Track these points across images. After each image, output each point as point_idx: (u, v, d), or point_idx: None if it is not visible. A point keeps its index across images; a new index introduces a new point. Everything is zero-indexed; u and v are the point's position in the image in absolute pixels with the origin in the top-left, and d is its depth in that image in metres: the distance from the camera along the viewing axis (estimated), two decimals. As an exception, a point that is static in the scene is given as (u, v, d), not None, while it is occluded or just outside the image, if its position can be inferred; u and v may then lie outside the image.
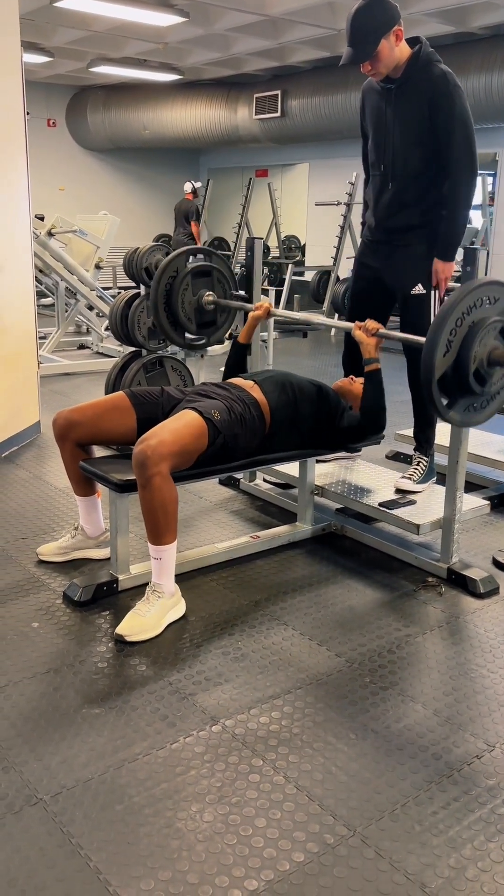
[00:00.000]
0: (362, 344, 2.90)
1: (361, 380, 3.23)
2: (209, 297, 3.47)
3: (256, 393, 2.86)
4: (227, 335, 7.70)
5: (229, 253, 11.35)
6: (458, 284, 2.48)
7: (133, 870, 1.60)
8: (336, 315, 9.23)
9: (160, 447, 2.46)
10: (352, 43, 2.95)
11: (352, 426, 3.03)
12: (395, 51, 2.96)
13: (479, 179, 8.79)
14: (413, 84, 3.01)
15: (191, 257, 3.51)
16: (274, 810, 1.77)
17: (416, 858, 1.66)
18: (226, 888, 1.57)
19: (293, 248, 12.86)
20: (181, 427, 2.57)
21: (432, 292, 3.17)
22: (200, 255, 3.57)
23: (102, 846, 1.66)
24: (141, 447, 2.47)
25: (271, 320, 5.73)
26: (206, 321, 3.53)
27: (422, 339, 2.45)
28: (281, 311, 3.54)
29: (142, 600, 2.54)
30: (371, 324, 2.90)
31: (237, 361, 3.35)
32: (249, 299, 3.55)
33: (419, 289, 3.16)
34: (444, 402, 2.39)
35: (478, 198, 10.30)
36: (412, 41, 3.03)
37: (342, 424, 3.02)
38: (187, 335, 3.57)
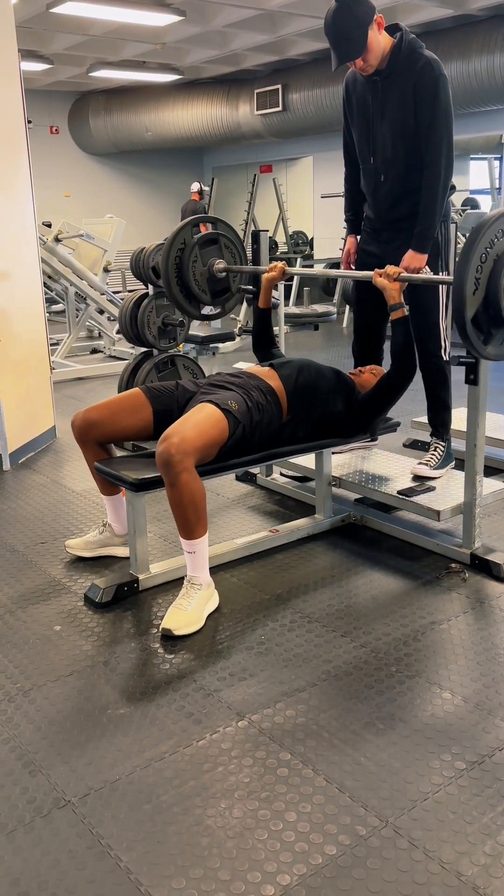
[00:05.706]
0: (385, 290, 2.80)
1: (369, 368, 3.21)
2: (220, 264, 3.42)
3: (273, 380, 2.84)
4: (238, 331, 7.62)
5: None
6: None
7: (164, 868, 1.59)
8: (347, 307, 9.19)
9: (183, 444, 2.44)
10: (339, 43, 2.91)
11: (380, 385, 2.94)
12: (381, 40, 2.93)
13: (485, 163, 8.71)
14: (398, 73, 2.98)
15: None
16: (304, 804, 1.75)
17: (450, 847, 1.63)
18: (258, 884, 1.55)
19: (300, 243, 12.82)
20: (201, 421, 2.55)
21: (439, 273, 3.13)
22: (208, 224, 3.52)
23: (132, 846, 1.65)
24: (164, 445, 2.45)
25: (281, 315, 5.68)
26: (220, 289, 3.47)
27: (449, 279, 2.42)
28: (297, 269, 3.48)
29: (181, 595, 2.54)
30: (391, 269, 2.81)
31: (262, 328, 3.34)
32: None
33: (425, 270, 3.12)
34: (480, 338, 2.37)
35: (485, 182, 10.23)
36: (391, 29, 2.99)
37: (363, 399, 2.96)
38: (203, 307, 3.53)
